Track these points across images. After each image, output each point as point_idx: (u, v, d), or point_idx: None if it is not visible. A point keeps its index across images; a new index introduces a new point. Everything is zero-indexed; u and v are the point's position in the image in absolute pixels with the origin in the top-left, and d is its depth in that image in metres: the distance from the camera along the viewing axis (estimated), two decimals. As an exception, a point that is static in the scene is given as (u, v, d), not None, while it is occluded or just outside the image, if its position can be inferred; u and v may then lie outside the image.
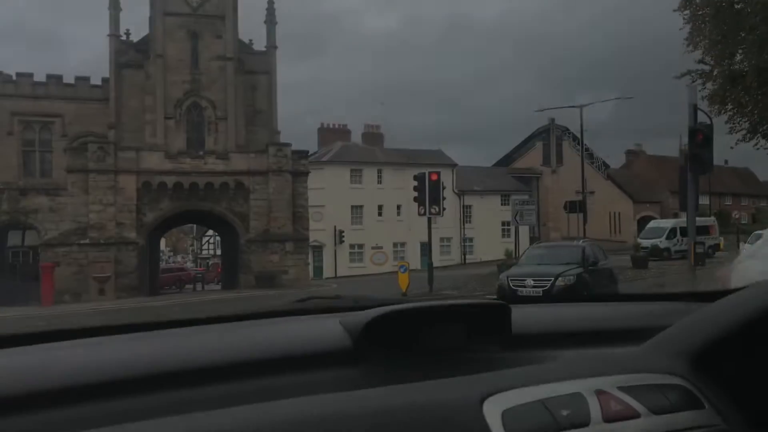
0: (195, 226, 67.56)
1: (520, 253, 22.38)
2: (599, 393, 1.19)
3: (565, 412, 1.14)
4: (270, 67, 38.80)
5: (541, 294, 14.86)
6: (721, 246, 43.13)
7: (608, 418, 1.15)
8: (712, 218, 45.29)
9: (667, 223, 45.29)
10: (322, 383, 1.23)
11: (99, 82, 37.36)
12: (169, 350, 1.32)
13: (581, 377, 1.23)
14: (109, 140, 35.02)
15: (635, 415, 1.18)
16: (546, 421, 1.12)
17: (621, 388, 1.22)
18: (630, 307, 1.93)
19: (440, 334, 1.40)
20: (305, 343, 1.35)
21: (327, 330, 1.41)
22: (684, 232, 41.81)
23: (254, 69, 38.33)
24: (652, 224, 47.01)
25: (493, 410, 1.12)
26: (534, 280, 15.74)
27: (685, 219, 50.31)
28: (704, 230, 37.82)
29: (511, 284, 15.95)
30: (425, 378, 1.21)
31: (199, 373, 1.22)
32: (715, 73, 24.04)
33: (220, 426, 1.04)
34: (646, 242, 41.36)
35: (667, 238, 41.79)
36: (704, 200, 44.99)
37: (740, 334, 1.30)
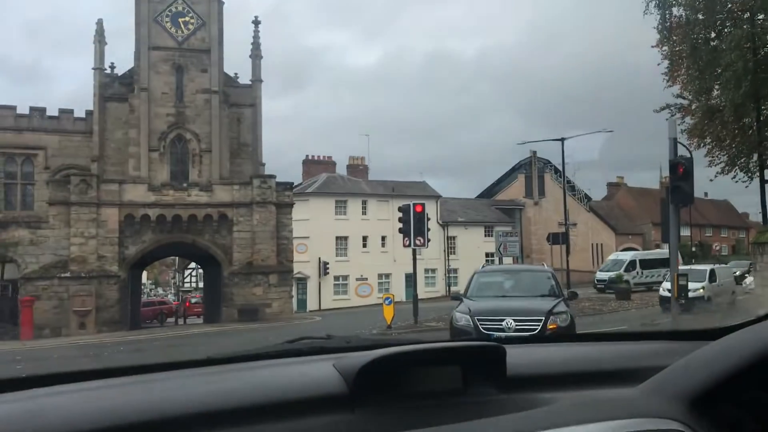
0: (177, 258, 66.88)
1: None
2: None
3: None
4: (255, 99, 38.99)
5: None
6: None
7: None
8: None
9: (626, 256, 44.14)
10: (317, 429, 1.23)
11: (83, 115, 37.29)
12: (162, 396, 1.31)
13: (579, 423, 1.22)
14: (91, 173, 34.81)
15: None
16: None
17: None
18: (624, 347, 1.92)
19: (436, 377, 1.40)
20: (300, 388, 1.34)
21: (321, 374, 1.40)
22: (644, 264, 41.52)
23: (239, 102, 38.53)
24: (611, 257, 46.10)
25: None
26: (516, 321, 11.49)
27: (645, 251, 49.57)
28: (667, 262, 37.35)
29: (480, 327, 11.56)
30: (423, 425, 1.20)
31: (193, 419, 1.21)
32: (693, 107, 24.52)
33: None
34: (603, 275, 40.16)
35: (626, 270, 40.40)
36: (685, 232, 45.26)
37: (740, 375, 1.26)
